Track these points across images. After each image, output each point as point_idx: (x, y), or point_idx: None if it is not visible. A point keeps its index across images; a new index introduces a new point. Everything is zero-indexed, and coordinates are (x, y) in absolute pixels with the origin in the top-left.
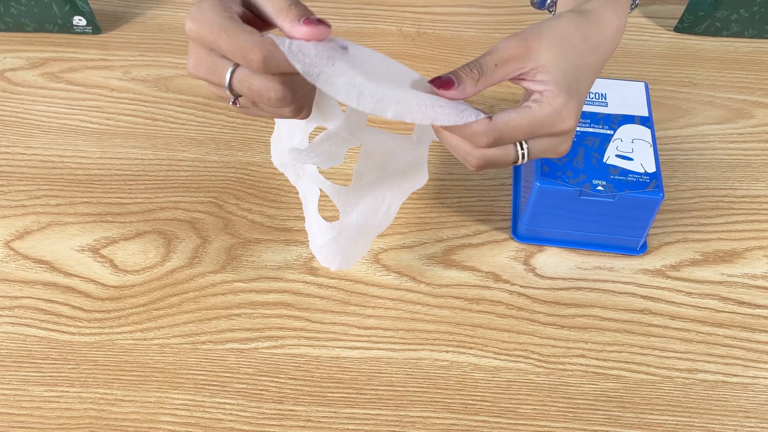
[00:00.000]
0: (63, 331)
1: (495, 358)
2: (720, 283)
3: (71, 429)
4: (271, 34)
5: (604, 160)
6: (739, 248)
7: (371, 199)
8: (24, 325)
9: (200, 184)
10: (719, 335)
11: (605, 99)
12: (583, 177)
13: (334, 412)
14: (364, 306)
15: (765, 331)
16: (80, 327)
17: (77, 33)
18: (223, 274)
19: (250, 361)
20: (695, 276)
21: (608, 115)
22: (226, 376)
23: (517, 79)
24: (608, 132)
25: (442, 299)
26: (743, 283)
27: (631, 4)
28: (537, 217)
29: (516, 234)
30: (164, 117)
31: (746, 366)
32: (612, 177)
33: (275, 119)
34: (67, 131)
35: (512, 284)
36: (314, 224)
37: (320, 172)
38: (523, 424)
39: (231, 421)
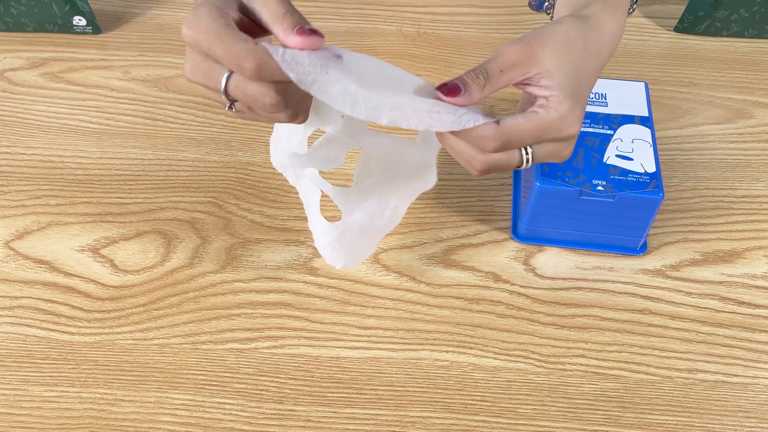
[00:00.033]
0: (63, 331)
1: (495, 358)
2: (720, 283)
3: (71, 429)
4: (265, 43)
5: (604, 160)
6: (739, 248)
7: (376, 201)
8: (24, 325)
9: (200, 184)
10: (719, 335)
11: (605, 99)
12: (583, 177)
13: (334, 412)
14: (364, 306)
15: (765, 331)
16: (80, 327)
17: (77, 33)
18: (223, 274)
19: (250, 361)
20: (695, 276)
21: (608, 115)
22: (226, 376)
23: (520, 84)
24: (608, 132)
25: (442, 299)
26: (743, 283)
27: (629, 9)
28: (537, 217)
29: (516, 234)
30: (164, 117)
31: (746, 366)
32: (612, 177)
33: None
34: (67, 131)
35: (512, 284)
36: (317, 224)
37: (320, 173)
38: (523, 424)
39: (231, 421)
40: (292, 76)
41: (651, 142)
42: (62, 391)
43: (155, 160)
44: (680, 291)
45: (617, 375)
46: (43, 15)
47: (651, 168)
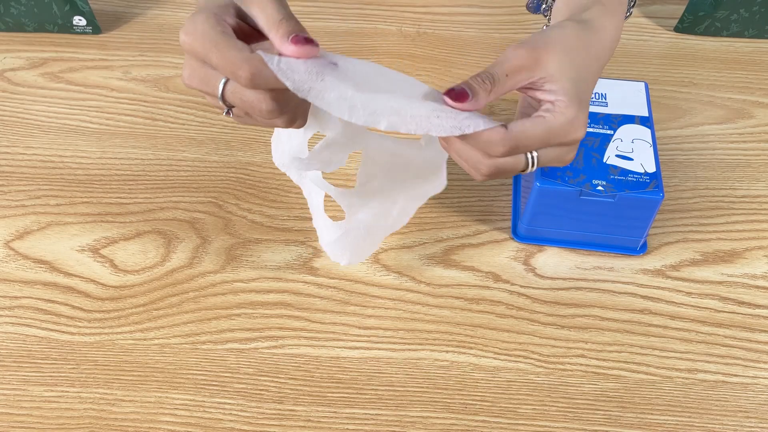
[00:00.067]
0: (63, 331)
1: (495, 358)
2: (720, 283)
3: (71, 429)
4: (260, 51)
5: (604, 160)
6: (739, 248)
7: (381, 202)
8: (24, 325)
9: (200, 184)
10: (719, 335)
11: (605, 99)
12: (583, 177)
13: (334, 412)
14: (364, 306)
15: (765, 331)
16: (80, 327)
17: (77, 33)
18: (223, 274)
19: (250, 361)
20: (695, 276)
21: (608, 115)
22: (226, 376)
23: (524, 88)
24: (608, 132)
25: (442, 299)
26: (743, 283)
27: (626, 14)
28: (537, 217)
29: (516, 234)
30: (164, 117)
31: (746, 366)
32: (612, 177)
33: None
34: (67, 131)
35: (512, 284)
36: (321, 223)
37: (322, 174)
38: (523, 424)
39: (231, 421)
40: (288, 84)
41: (651, 142)
42: (62, 391)
43: (155, 160)
44: (680, 291)
45: (617, 375)
46: (43, 15)
47: (651, 168)
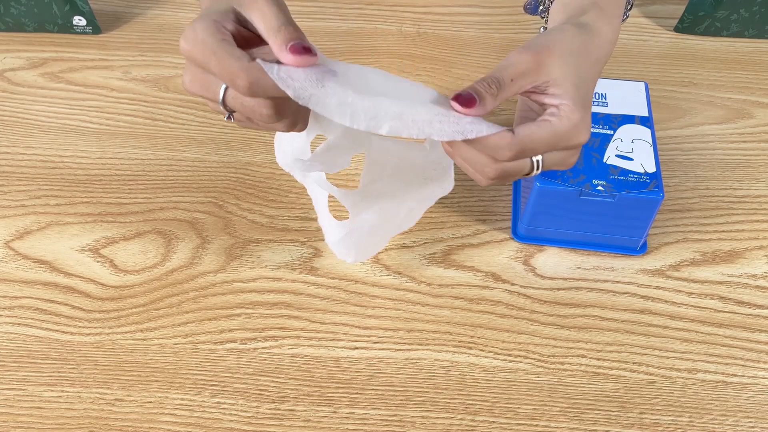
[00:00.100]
0: (63, 331)
1: (495, 358)
2: (720, 283)
3: (71, 429)
4: (260, 60)
5: (604, 160)
6: (739, 248)
7: (387, 203)
8: (24, 325)
9: (200, 184)
10: (719, 335)
11: (605, 99)
12: (583, 177)
13: (334, 412)
14: (364, 306)
15: (765, 331)
16: (80, 327)
17: (77, 33)
18: (223, 274)
19: (250, 361)
20: (695, 276)
21: (608, 115)
22: (226, 376)
23: (528, 92)
24: (608, 132)
25: (442, 299)
26: (743, 283)
27: (623, 17)
28: (537, 217)
29: (516, 234)
30: (164, 117)
31: (746, 366)
32: (612, 177)
33: None
34: (67, 131)
35: (512, 284)
36: (326, 222)
37: (326, 174)
38: (523, 424)
39: (231, 421)
40: (289, 92)
41: (651, 142)
42: (62, 391)
43: (155, 160)
44: (680, 291)
45: (617, 375)
46: (43, 15)
47: (651, 168)
